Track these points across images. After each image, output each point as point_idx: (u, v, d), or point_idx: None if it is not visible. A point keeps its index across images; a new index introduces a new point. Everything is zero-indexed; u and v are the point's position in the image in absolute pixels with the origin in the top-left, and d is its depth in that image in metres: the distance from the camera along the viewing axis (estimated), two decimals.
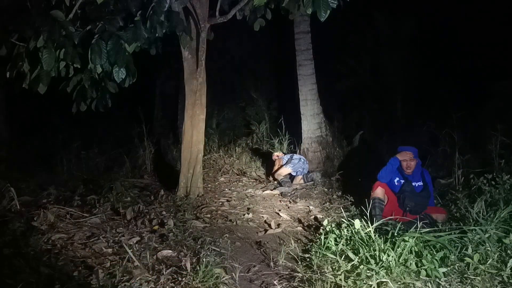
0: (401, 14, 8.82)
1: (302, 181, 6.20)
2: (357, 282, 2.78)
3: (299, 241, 3.84)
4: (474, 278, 2.77)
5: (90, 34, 3.77)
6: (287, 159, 6.34)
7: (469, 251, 3.02)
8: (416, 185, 4.20)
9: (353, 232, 3.39)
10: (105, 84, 4.62)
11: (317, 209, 4.93)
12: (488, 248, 3.01)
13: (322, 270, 2.97)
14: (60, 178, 5.95)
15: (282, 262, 3.31)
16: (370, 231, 3.28)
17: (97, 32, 3.71)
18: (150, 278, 2.85)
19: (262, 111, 9.45)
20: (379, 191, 4.15)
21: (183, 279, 2.86)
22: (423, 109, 8.28)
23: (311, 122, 7.09)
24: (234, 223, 4.29)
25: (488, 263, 2.87)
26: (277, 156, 6.57)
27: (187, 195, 5.03)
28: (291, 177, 6.32)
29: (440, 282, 2.79)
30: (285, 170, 6.22)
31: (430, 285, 2.76)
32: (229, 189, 5.76)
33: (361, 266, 2.88)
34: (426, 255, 2.96)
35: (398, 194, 4.20)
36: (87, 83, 4.36)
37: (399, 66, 8.88)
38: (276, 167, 6.39)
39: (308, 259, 3.26)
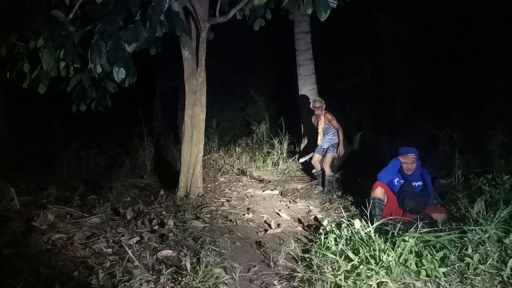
0: (401, 14, 8.82)
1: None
2: (357, 282, 2.77)
3: (299, 241, 3.84)
4: (474, 278, 2.77)
5: (90, 34, 3.77)
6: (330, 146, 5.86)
7: (469, 251, 3.02)
8: (416, 185, 4.20)
9: (353, 232, 3.39)
10: (105, 84, 4.62)
11: (317, 209, 4.93)
12: (488, 248, 3.01)
13: (322, 270, 2.97)
14: (60, 178, 5.95)
15: (282, 262, 3.31)
16: (370, 231, 3.27)
17: (97, 32, 3.71)
18: (150, 278, 2.84)
19: (262, 111, 9.45)
20: (379, 191, 4.15)
21: (183, 279, 2.86)
22: (423, 109, 8.27)
23: (311, 122, 7.09)
24: (234, 223, 4.29)
25: (488, 263, 2.87)
26: (320, 106, 5.82)
27: (187, 195, 5.03)
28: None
29: (440, 282, 2.79)
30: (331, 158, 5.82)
31: (430, 285, 2.76)
32: (229, 189, 5.76)
33: (361, 266, 2.88)
34: (426, 255, 2.96)
35: (397, 194, 4.20)
36: (87, 83, 4.36)
37: (399, 66, 8.87)
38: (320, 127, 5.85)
39: (308, 259, 3.26)
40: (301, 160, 6.53)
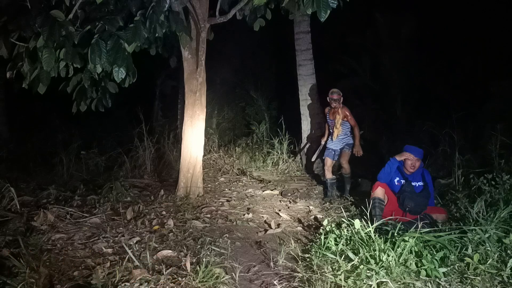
0: (401, 14, 8.82)
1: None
2: (357, 282, 2.77)
3: (299, 241, 3.83)
4: (474, 278, 2.77)
5: (90, 34, 3.77)
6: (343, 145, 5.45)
7: (469, 251, 3.02)
8: (416, 185, 4.19)
9: (353, 232, 3.39)
10: (105, 84, 4.63)
11: (317, 209, 4.93)
12: (488, 248, 3.01)
13: (322, 270, 2.97)
14: (60, 178, 5.96)
15: (282, 262, 3.31)
16: (370, 231, 3.27)
17: (97, 32, 3.71)
18: (150, 278, 2.84)
19: (262, 111, 9.45)
20: (379, 191, 4.15)
21: (183, 279, 2.86)
22: (423, 109, 8.28)
23: (311, 122, 7.09)
24: (234, 223, 4.29)
25: (488, 263, 2.87)
26: (338, 98, 5.37)
27: (187, 195, 5.03)
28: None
29: (440, 282, 2.79)
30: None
31: (430, 285, 2.75)
32: (229, 189, 5.76)
33: (361, 266, 2.88)
34: (426, 255, 2.96)
35: (398, 195, 4.20)
36: (87, 83, 4.37)
37: (399, 66, 8.87)
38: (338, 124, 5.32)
39: (308, 259, 3.26)
40: (313, 158, 6.12)
